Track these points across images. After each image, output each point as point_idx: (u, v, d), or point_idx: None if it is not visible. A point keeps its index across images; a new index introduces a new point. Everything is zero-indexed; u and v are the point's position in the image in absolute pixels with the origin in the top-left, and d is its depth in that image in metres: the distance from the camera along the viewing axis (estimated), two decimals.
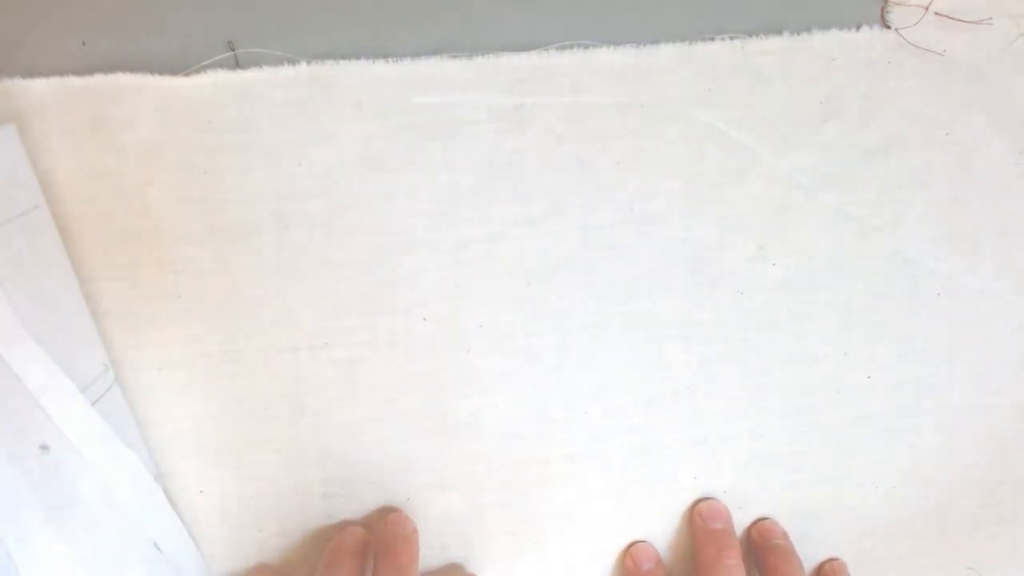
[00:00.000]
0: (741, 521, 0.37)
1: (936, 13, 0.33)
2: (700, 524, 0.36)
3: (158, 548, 0.33)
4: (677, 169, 0.34)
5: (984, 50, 0.34)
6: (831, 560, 0.37)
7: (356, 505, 0.35)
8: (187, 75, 0.32)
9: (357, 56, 0.32)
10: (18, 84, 0.31)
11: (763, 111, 0.34)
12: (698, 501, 0.37)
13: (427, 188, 0.33)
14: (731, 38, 0.33)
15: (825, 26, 0.33)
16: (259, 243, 0.33)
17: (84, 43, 0.32)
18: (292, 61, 0.32)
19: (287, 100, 0.32)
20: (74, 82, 0.31)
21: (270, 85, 0.32)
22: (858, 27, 0.34)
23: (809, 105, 0.34)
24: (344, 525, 0.35)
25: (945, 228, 0.35)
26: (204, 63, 0.32)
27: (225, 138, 0.32)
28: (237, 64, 0.32)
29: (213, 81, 0.32)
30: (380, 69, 0.32)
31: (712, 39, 0.33)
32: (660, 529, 0.37)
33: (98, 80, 0.31)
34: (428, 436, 0.35)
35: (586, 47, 0.33)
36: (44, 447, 0.29)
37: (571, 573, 0.37)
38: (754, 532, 0.36)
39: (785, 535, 0.36)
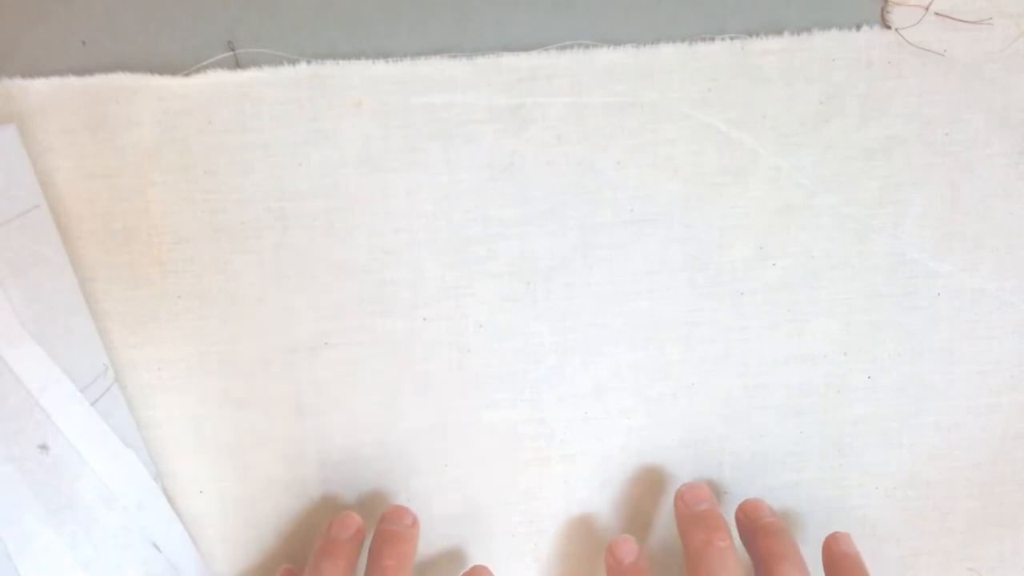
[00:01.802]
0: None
1: (936, 13, 0.33)
2: (684, 509, 0.34)
3: (157, 548, 0.33)
4: (677, 169, 0.34)
5: (984, 50, 0.34)
6: (833, 534, 0.34)
7: (356, 506, 0.35)
8: (187, 75, 0.32)
9: (357, 56, 0.32)
10: (18, 84, 0.31)
11: (763, 111, 0.34)
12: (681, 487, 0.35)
13: (427, 188, 0.33)
14: (731, 38, 0.33)
15: (825, 26, 0.33)
16: (259, 243, 0.33)
17: (84, 43, 0.32)
18: (292, 61, 0.32)
19: (287, 100, 0.32)
20: (74, 82, 0.31)
21: (270, 85, 0.32)
22: (858, 27, 0.34)
23: (809, 105, 0.34)
24: (342, 514, 0.34)
25: (945, 228, 0.35)
26: (204, 63, 0.32)
27: (225, 138, 0.32)
28: (237, 64, 0.32)
29: (213, 81, 0.32)
30: (380, 69, 0.32)
31: (712, 39, 0.33)
32: (660, 529, 0.37)
33: (98, 80, 0.32)
34: (428, 436, 0.35)
35: (586, 47, 0.33)
36: (44, 447, 0.29)
37: (570, 573, 0.37)
38: (740, 513, 0.35)
39: (773, 512, 0.34)
